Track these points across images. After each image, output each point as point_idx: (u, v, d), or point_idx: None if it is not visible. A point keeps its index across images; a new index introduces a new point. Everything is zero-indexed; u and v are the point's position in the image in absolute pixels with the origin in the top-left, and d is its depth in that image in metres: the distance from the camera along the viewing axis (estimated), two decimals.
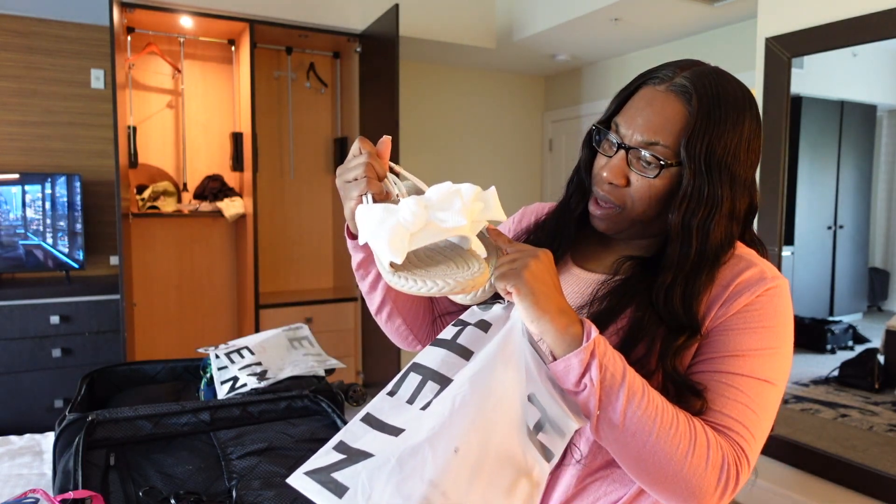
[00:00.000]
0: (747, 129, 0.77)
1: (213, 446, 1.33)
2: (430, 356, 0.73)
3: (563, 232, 0.91)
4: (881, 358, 2.45)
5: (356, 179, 0.75)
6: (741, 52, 3.51)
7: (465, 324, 0.75)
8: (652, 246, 0.85)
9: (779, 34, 2.45)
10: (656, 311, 0.76)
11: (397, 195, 0.76)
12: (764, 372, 0.74)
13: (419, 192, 0.76)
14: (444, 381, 0.71)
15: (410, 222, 0.67)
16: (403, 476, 0.61)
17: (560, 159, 5.03)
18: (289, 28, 3.57)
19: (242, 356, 1.73)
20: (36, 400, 3.09)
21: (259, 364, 1.71)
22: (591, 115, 4.68)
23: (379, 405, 0.71)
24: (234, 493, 1.19)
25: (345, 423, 1.43)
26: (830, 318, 2.64)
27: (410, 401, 0.71)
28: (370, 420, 0.70)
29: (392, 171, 0.81)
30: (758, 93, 2.57)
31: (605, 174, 0.81)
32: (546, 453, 0.68)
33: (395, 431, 0.67)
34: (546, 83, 5.18)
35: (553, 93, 5.12)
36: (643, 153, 0.77)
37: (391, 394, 0.72)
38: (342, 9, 3.63)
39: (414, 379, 0.73)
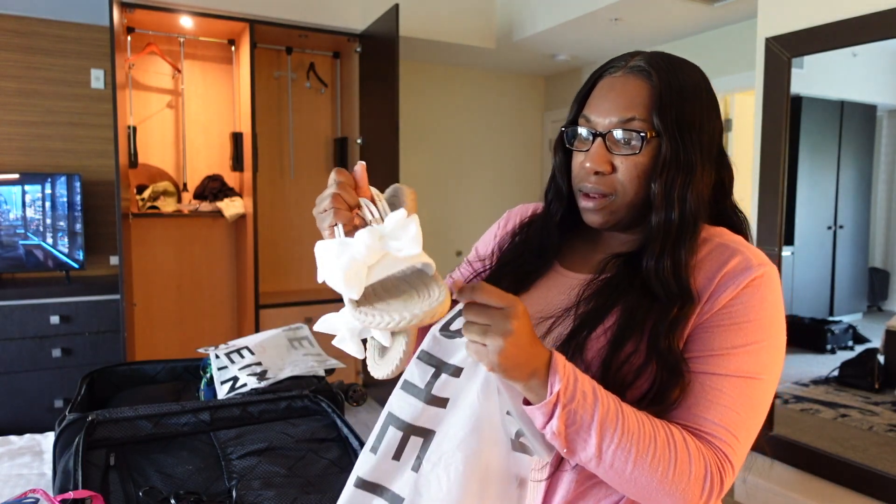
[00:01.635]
0: (705, 98, 0.81)
1: (213, 446, 1.33)
2: (405, 407, 0.73)
3: (548, 244, 0.90)
4: (881, 358, 2.45)
5: (325, 211, 0.75)
6: (741, 52, 3.51)
7: (434, 365, 0.72)
8: (636, 240, 0.85)
9: (779, 34, 2.45)
10: (647, 285, 0.76)
11: (371, 221, 0.74)
12: (749, 368, 0.73)
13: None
14: (426, 434, 0.72)
15: (364, 255, 0.65)
16: None
17: None
18: (289, 28, 3.57)
19: (242, 356, 1.73)
20: (36, 400, 3.09)
21: (259, 364, 1.71)
22: None
23: (367, 466, 0.72)
24: (234, 493, 1.19)
25: (345, 422, 1.43)
26: (830, 318, 2.64)
27: (396, 457, 0.72)
28: (366, 485, 0.72)
29: (372, 198, 0.79)
30: (758, 93, 2.57)
31: (588, 165, 0.80)
32: (527, 451, 0.71)
33: (396, 500, 0.71)
34: (546, 83, 5.18)
35: (553, 93, 5.12)
36: (620, 134, 0.79)
37: (374, 450, 0.73)
38: (342, 9, 3.63)
39: (394, 435, 0.72)
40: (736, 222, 0.85)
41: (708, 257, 0.78)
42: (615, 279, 0.80)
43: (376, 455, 0.72)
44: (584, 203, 0.83)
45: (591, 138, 0.81)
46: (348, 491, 0.71)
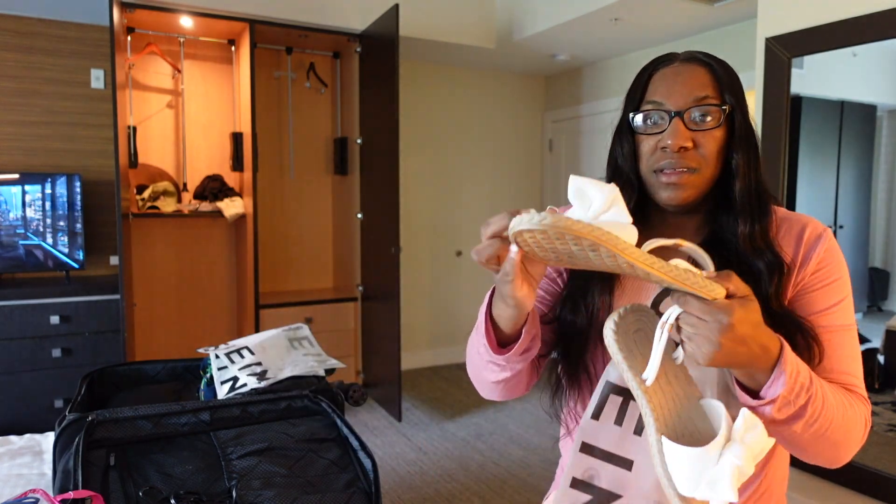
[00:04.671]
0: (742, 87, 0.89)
1: (213, 446, 1.33)
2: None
3: None
4: (881, 358, 2.45)
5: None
6: (741, 52, 3.51)
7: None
8: (698, 224, 0.89)
9: (779, 34, 2.45)
10: (743, 260, 0.82)
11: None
12: (847, 320, 0.83)
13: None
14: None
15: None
16: None
17: (560, 159, 5.03)
18: (289, 28, 3.57)
19: (242, 356, 1.73)
20: (36, 400, 3.09)
21: (259, 364, 1.71)
22: (591, 115, 4.68)
23: (590, 431, 0.75)
24: (234, 493, 1.19)
25: (345, 422, 1.43)
26: None
27: (618, 422, 0.75)
28: (589, 449, 0.75)
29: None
30: (758, 93, 2.57)
31: (670, 142, 0.82)
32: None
33: (626, 464, 0.74)
34: (546, 83, 5.18)
35: (553, 93, 5.12)
36: (697, 111, 0.83)
37: (595, 417, 0.76)
38: (342, 9, 3.63)
39: (615, 401, 0.75)
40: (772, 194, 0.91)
41: (783, 230, 0.86)
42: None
43: (598, 421, 0.75)
44: (667, 179, 0.84)
45: (667, 119, 0.84)
46: (577, 455, 0.74)
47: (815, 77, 2.52)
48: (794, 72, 2.43)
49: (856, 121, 2.57)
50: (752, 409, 0.70)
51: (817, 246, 0.84)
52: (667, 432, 0.67)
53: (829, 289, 0.83)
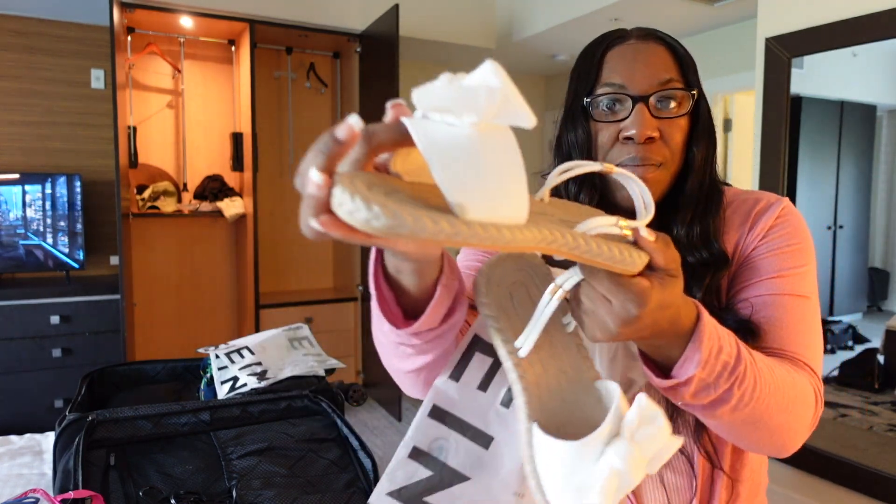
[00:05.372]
0: None
1: (213, 446, 1.33)
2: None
3: None
4: (881, 358, 2.45)
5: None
6: (741, 52, 3.51)
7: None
8: (654, 225, 0.78)
9: (779, 34, 2.45)
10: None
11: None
12: (804, 289, 0.73)
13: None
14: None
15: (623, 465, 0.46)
16: None
17: None
18: (289, 28, 3.57)
19: (242, 356, 1.73)
20: (36, 400, 3.09)
21: (259, 364, 1.71)
22: None
23: (446, 395, 0.59)
24: (234, 493, 1.19)
25: (345, 422, 1.43)
26: (830, 318, 2.63)
27: (483, 388, 0.60)
28: (442, 415, 0.59)
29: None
30: (758, 93, 2.57)
31: (635, 131, 0.71)
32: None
33: (483, 440, 0.59)
34: (546, 83, 5.18)
35: (553, 93, 5.12)
36: (661, 97, 0.73)
37: (455, 378, 0.60)
38: (342, 9, 3.63)
39: (482, 360, 0.60)
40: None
41: (732, 207, 0.79)
42: None
43: (458, 383, 0.59)
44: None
45: (629, 105, 0.73)
46: (424, 421, 0.59)
47: (815, 77, 2.52)
48: (794, 72, 2.43)
49: (856, 121, 2.57)
50: (664, 390, 0.58)
51: (766, 213, 0.76)
52: (542, 418, 0.52)
53: (781, 253, 0.74)
